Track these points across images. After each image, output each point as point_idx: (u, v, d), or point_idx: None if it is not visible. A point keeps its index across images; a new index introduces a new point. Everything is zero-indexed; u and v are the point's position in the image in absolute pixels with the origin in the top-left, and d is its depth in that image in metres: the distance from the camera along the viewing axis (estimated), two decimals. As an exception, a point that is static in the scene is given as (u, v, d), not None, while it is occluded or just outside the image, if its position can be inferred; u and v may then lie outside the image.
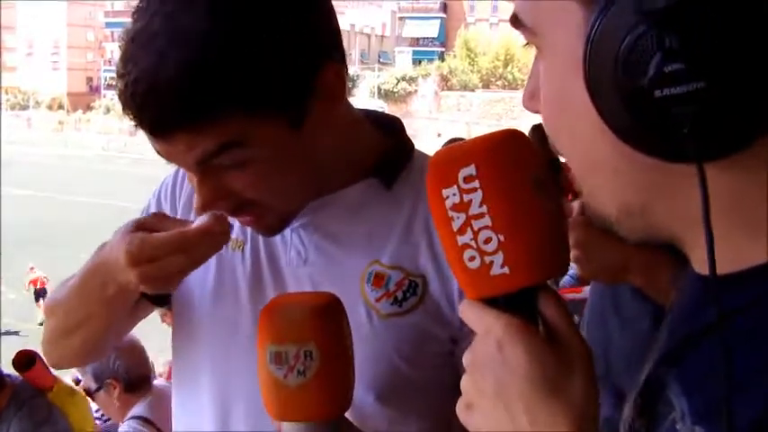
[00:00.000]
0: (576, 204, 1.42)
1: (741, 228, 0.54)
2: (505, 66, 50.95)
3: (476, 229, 0.60)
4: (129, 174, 31.23)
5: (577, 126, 0.55)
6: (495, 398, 0.59)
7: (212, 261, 1.04)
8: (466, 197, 0.60)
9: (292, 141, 0.94)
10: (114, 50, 70.24)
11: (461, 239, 0.60)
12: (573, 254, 1.26)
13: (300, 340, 0.84)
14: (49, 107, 64.13)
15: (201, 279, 1.09)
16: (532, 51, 0.59)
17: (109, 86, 68.54)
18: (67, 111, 62.76)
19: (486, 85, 48.90)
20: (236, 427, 1.05)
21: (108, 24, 69.84)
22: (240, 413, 1.05)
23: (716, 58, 0.46)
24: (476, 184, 0.59)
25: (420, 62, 54.44)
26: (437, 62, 51.29)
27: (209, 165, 0.90)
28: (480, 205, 0.59)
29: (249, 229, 1.07)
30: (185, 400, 1.13)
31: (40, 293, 14.44)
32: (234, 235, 1.07)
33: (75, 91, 68.04)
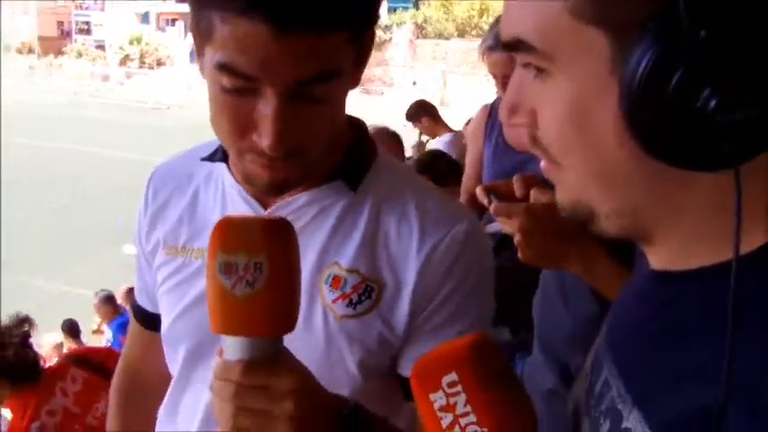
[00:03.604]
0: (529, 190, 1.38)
1: (698, 232, 0.59)
2: (480, 15, 50.38)
3: (463, 425, 0.70)
4: (103, 120, 31.05)
5: (595, 142, 0.58)
6: None
7: (182, 276, 1.13)
8: (451, 400, 0.70)
9: (346, 91, 0.98)
10: (85, -6, 68.95)
11: None
12: (515, 239, 1.31)
13: (252, 251, 0.84)
14: (19, 51, 63.05)
15: (177, 296, 1.13)
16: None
17: (80, 31, 67.44)
18: (38, 55, 61.82)
19: (462, 34, 48.68)
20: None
21: (78, -33, 68.34)
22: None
23: (754, 85, 0.49)
24: (458, 388, 0.70)
25: (395, 10, 53.94)
26: (412, 10, 50.90)
27: (300, 93, 0.90)
28: (465, 405, 0.70)
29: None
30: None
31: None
32: (196, 245, 1.12)
33: (46, 35, 66.89)
